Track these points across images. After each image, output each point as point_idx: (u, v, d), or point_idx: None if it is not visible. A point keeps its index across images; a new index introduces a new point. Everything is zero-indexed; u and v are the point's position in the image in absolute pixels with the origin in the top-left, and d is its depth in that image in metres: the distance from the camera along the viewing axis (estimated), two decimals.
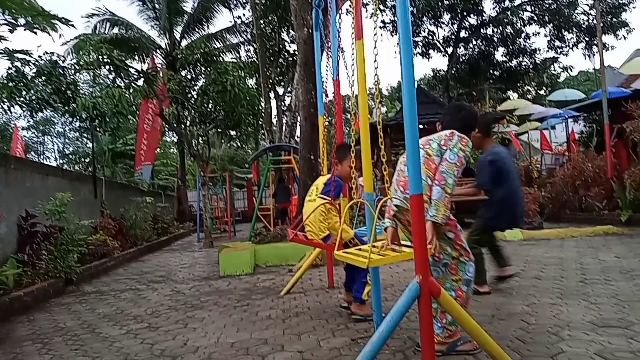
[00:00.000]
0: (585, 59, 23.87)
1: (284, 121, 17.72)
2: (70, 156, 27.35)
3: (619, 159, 11.31)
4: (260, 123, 16.07)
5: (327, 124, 5.67)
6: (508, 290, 4.39)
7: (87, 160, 25.62)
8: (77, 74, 11.54)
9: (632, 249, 6.33)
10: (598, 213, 9.86)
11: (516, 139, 21.93)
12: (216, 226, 15.34)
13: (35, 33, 7.36)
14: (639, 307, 3.47)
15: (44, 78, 9.87)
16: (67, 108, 10.79)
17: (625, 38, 22.58)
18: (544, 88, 27.47)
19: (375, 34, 3.02)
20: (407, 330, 3.29)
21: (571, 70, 28.61)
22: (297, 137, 15.56)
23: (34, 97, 9.91)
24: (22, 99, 9.63)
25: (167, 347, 3.41)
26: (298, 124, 14.77)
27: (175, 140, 23.73)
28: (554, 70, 27.58)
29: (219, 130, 13.31)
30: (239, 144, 17.52)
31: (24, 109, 10.22)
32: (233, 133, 13.75)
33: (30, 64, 9.15)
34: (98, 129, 11.98)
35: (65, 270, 6.37)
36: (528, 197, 9.30)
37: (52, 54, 10.05)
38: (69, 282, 6.49)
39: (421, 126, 11.52)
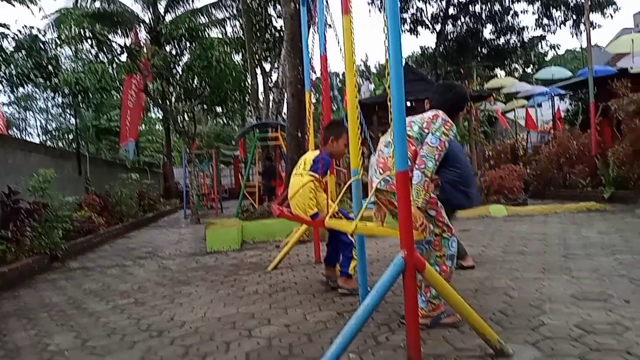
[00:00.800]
0: (572, 37, 23.91)
1: (271, 97, 17.53)
2: (53, 132, 26.83)
3: (603, 136, 11.42)
4: (247, 99, 15.90)
5: (314, 100, 5.64)
6: (491, 266, 4.45)
7: (70, 137, 25.19)
8: (58, 49, 11.27)
9: (613, 225, 6.45)
10: (581, 190, 10.01)
11: (502, 117, 22.05)
12: (202, 203, 15.29)
13: (13, 5, 7.14)
14: (618, 281, 3.55)
15: (23, 52, 9.62)
16: (48, 83, 10.56)
17: (612, 16, 22.68)
18: (531, 66, 27.54)
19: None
20: (391, 303, 3.33)
21: (558, 48, 28.64)
22: (284, 113, 15.44)
23: (13, 72, 9.68)
24: (1, 74, 9.40)
25: (154, 322, 3.42)
26: (285, 100, 14.64)
27: (160, 117, 23.42)
28: (541, 48, 27.60)
29: (205, 107, 13.16)
30: (225, 121, 17.32)
31: (4, 84, 9.98)
32: (219, 109, 13.60)
33: (9, 37, 8.90)
34: (81, 105, 11.75)
35: (50, 246, 6.33)
36: (513, 174, 9.40)
37: (32, 27, 9.80)
38: (53, 258, 6.45)
39: (408, 103, 11.54)
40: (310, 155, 4.12)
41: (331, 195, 4.47)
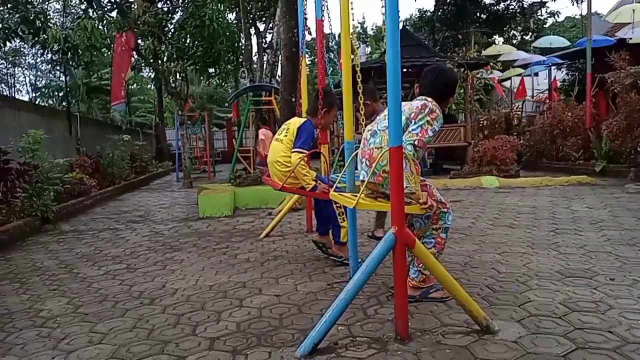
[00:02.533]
0: (572, 4, 23.38)
1: (265, 59, 17.23)
2: (43, 89, 26.29)
3: (598, 108, 11.41)
4: (240, 60, 15.60)
5: (309, 62, 5.50)
6: (481, 239, 4.51)
7: (60, 94, 24.73)
8: (46, 3, 10.90)
9: (602, 199, 6.51)
10: (574, 162, 10.06)
11: (499, 85, 21.89)
12: (195, 166, 15.21)
13: None
14: (604, 258, 3.61)
15: (9, 5, 9.30)
16: (36, 39, 10.25)
17: None
18: (530, 33, 27.12)
19: None
20: (381, 275, 3.37)
21: (557, 16, 28.17)
22: (278, 76, 15.19)
23: None
24: None
25: (146, 289, 3.45)
26: (279, 62, 14.38)
27: (152, 76, 22.99)
28: (541, 15, 27.14)
29: (197, 67, 12.91)
30: (218, 82, 17.02)
31: None
32: (212, 70, 13.34)
33: None
34: (70, 63, 11.48)
35: (41, 208, 6.30)
36: (506, 145, 9.40)
37: None
38: (45, 220, 6.43)
39: (405, 69, 11.38)
40: (295, 123, 4.02)
41: (325, 164, 4.45)
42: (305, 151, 3.83)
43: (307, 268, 3.78)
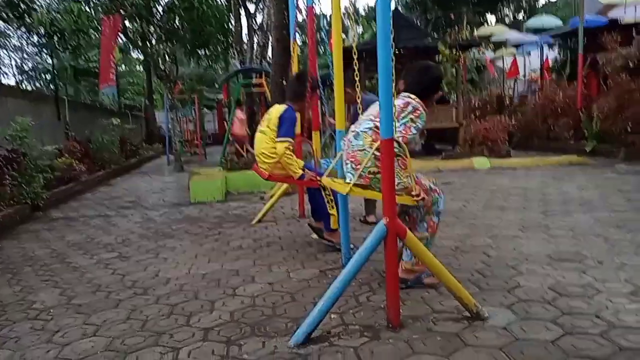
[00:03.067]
0: None
1: (255, 40, 16.99)
2: (30, 72, 25.82)
3: (590, 88, 11.42)
4: (230, 42, 15.38)
5: (300, 43, 5.42)
6: (472, 222, 4.54)
7: (47, 77, 24.31)
8: None
9: (592, 179, 6.57)
10: (564, 142, 10.12)
11: (491, 65, 21.82)
12: (186, 149, 15.11)
13: None
14: (592, 241, 3.66)
15: None
16: (22, 22, 10.06)
17: None
18: (522, 12, 26.93)
19: None
20: (372, 261, 3.35)
21: None
22: (269, 57, 15.02)
23: None
24: None
25: (139, 278, 3.45)
26: (270, 44, 14.20)
27: (141, 57, 22.64)
28: None
29: (187, 50, 12.72)
30: (208, 64, 16.78)
31: None
32: (201, 53, 13.16)
33: None
34: (57, 47, 11.27)
35: (31, 196, 6.25)
36: (498, 126, 9.42)
37: None
38: (35, 207, 6.39)
39: (397, 51, 11.27)
40: (275, 112, 4.00)
41: (316, 152, 4.44)
42: (290, 139, 3.82)
43: (300, 255, 3.80)
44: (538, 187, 6.27)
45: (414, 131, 2.73)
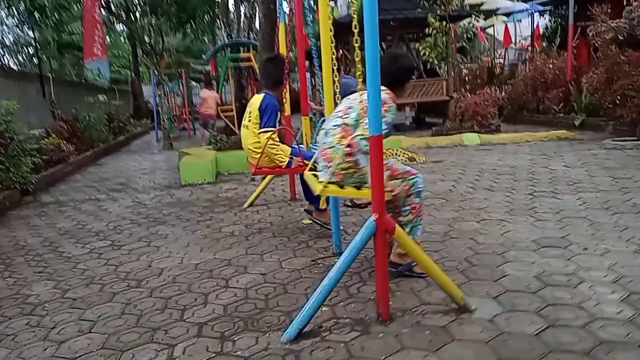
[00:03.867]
0: None
1: (242, 12, 16.65)
2: (11, 47, 25.14)
3: (580, 57, 11.40)
4: (216, 12, 15.07)
5: (287, 11, 5.27)
6: (461, 204, 4.60)
7: (29, 51, 23.70)
8: None
9: (580, 156, 6.64)
10: (554, 115, 10.16)
11: (482, 33, 21.61)
12: (174, 125, 14.96)
13: None
14: (578, 225, 3.73)
15: None
16: None
17: None
18: None
19: None
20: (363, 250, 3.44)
21: None
22: (257, 28, 14.75)
23: None
24: None
25: (132, 269, 3.48)
26: (257, 15, 13.93)
27: (126, 31, 22.11)
28: None
29: (172, 23, 12.46)
30: (194, 37, 16.44)
31: None
32: (187, 26, 12.89)
33: None
34: (39, 24, 10.96)
35: (20, 180, 6.21)
36: (488, 100, 9.41)
37: None
38: (25, 192, 6.36)
39: (391, 22, 11.07)
40: (256, 102, 3.99)
41: (307, 137, 4.44)
42: (272, 129, 3.82)
43: (292, 242, 3.84)
44: (526, 165, 6.32)
45: (384, 126, 2.68)
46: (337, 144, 2.80)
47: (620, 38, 7.60)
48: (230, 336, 2.42)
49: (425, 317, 2.45)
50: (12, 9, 10.71)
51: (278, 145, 3.90)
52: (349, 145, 2.71)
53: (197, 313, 2.71)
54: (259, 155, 3.91)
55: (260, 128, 3.86)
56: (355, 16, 2.61)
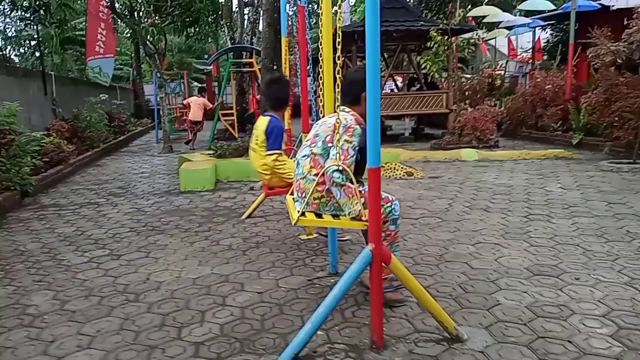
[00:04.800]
0: None
1: (246, 16, 16.72)
2: (14, 39, 25.11)
3: (580, 73, 11.51)
4: (220, 14, 15.10)
5: (290, 13, 5.31)
6: (457, 225, 4.66)
7: (32, 43, 23.67)
8: None
9: (576, 178, 6.71)
10: (552, 133, 10.24)
11: (483, 44, 21.74)
12: (175, 126, 15.00)
13: None
14: (572, 252, 3.79)
15: None
16: None
17: None
18: None
19: None
20: None
21: None
22: (259, 32, 14.81)
23: None
24: None
25: (130, 282, 3.52)
26: (260, 19, 14.00)
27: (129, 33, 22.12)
28: None
29: (176, 26, 12.49)
30: (198, 42, 16.47)
31: None
32: (191, 30, 12.93)
33: None
34: (42, 21, 10.99)
35: (20, 182, 6.24)
36: (487, 116, 9.50)
37: None
38: (24, 194, 6.39)
39: (393, 34, 11.14)
40: (262, 125, 4.06)
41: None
42: (278, 151, 3.90)
43: (289, 259, 3.89)
44: (523, 185, 6.39)
45: (352, 152, 2.71)
46: (307, 174, 2.85)
47: (619, 61, 7.69)
48: (226, 358, 2.47)
49: (418, 346, 2.51)
50: (17, 5, 10.70)
51: (285, 164, 3.96)
52: (320, 175, 2.74)
53: (194, 332, 2.76)
54: (269, 176, 3.98)
55: (267, 150, 3.94)
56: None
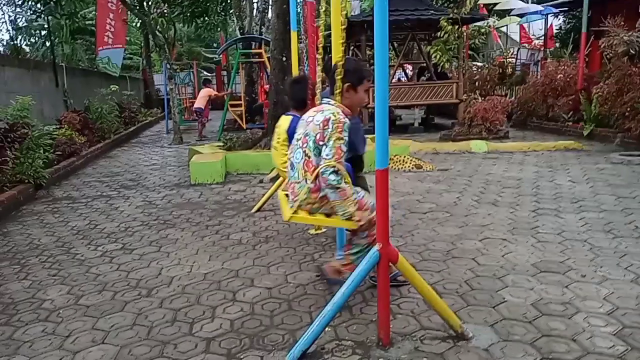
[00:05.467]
0: None
1: (255, 5, 16.66)
2: (25, 29, 25.26)
3: (592, 62, 11.38)
4: (229, 2, 15.07)
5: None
6: (465, 219, 4.68)
7: (42, 33, 23.80)
8: None
9: (586, 170, 6.68)
10: (563, 123, 10.17)
11: (495, 31, 21.50)
12: (185, 117, 15.08)
13: None
14: (579, 248, 3.81)
15: None
16: None
17: None
18: None
19: None
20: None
21: None
22: (268, 21, 14.76)
23: None
24: None
25: (142, 277, 3.60)
26: (269, 9, 13.95)
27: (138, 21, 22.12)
28: None
29: (185, 17, 12.51)
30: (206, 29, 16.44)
31: None
32: (200, 21, 12.93)
33: None
34: (54, 14, 11.06)
35: (34, 175, 6.35)
36: (497, 107, 9.44)
37: None
38: (38, 186, 6.50)
39: (404, 23, 11.03)
40: (284, 124, 4.08)
41: None
42: None
43: (297, 254, 3.94)
44: (532, 178, 6.38)
45: (344, 148, 2.68)
46: (302, 179, 2.83)
47: (632, 52, 7.59)
48: (237, 354, 2.54)
49: (424, 344, 2.55)
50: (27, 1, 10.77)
51: None
52: (313, 180, 2.74)
53: (205, 327, 2.83)
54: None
55: (288, 149, 3.96)
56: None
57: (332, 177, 2.65)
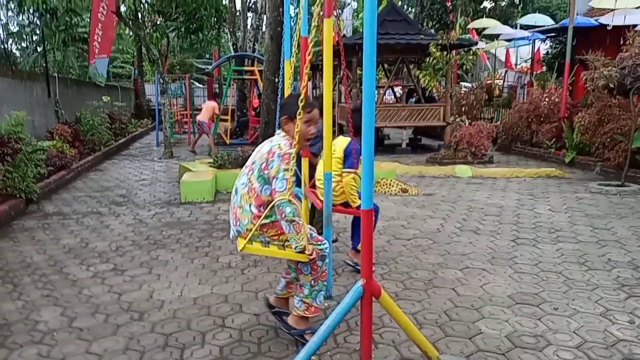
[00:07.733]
0: None
1: (249, 22, 16.90)
2: (15, 34, 25.21)
3: (577, 87, 11.73)
4: (223, 18, 15.28)
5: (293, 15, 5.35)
6: (446, 247, 4.86)
7: (35, 38, 23.78)
8: None
9: (565, 199, 6.92)
10: (546, 150, 10.47)
11: (483, 53, 22.00)
12: (175, 130, 15.17)
13: None
14: (553, 280, 4.00)
15: None
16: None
17: None
18: (516, 5, 26.94)
19: None
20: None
21: None
22: (261, 37, 14.98)
23: None
24: None
25: (134, 300, 3.71)
26: (264, 25, 14.18)
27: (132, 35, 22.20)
28: None
29: (180, 33, 12.68)
30: (200, 45, 16.62)
31: None
32: (194, 37, 13.11)
33: None
34: (49, 26, 11.16)
35: (25, 190, 6.41)
36: (482, 133, 9.71)
37: None
38: (29, 201, 6.56)
39: (395, 46, 11.31)
40: (341, 145, 4.13)
41: (304, 177, 4.67)
42: (353, 170, 4.04)
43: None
44: (513, 206, 6.60)
45: (294, 178, 2.76)
46: (245, 204, 2.88)
47: (611, 86, 7.91)
48: None
49: None
50: (23, 9, 10.86)
51: (355, 186, 4.08)
52: (265, 213, 2.80)
53: (195, 353, 2.95)
54: (338, 192, 4.09)
55: (344, 168, 4.09)
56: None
57: (288, 209, 2.72)
